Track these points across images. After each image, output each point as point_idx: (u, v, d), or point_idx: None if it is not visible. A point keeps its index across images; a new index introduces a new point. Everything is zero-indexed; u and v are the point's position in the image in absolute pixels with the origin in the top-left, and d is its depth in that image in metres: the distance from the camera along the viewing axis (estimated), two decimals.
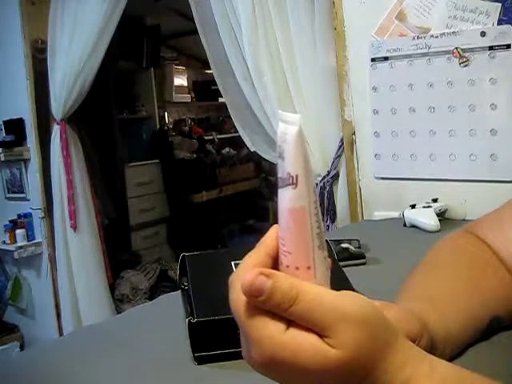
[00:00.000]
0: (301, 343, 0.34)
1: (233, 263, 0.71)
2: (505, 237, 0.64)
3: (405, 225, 1.35)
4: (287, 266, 0.36)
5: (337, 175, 1.75)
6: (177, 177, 3.82)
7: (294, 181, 0.35)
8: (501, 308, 0.58)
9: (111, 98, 3.52)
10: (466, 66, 1.38)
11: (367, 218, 1.63)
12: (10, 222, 2.79)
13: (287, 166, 0.35)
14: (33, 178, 2.73)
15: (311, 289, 0.35)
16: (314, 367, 0.34)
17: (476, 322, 0.56)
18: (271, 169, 4.29)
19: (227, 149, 4.41)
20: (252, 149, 2.09)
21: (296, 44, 1.75)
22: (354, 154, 1.65)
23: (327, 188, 1.76)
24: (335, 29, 1.63)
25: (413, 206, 1.36)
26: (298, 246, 0.36)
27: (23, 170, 2.77)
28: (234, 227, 4.07)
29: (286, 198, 0.35)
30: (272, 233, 0.38)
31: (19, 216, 2.77)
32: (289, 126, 0.35)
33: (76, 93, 2.51)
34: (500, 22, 1.33)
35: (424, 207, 1.34)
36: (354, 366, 0.35)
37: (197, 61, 4.55)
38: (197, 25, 2.04)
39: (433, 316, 0.51)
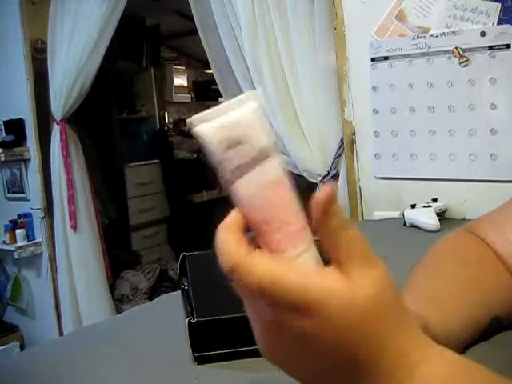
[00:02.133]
0: (308, 268, 0.34)
1: None
2: (505, 236, 0.64)
3: (405, 224, 1.35)
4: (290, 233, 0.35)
5: (337, 175, 1.75)
6: (177, 177, 3.82)
7: (270, 152, 0.34)
8: (501, 308, 0.58)
9: (111, 98, 3.53)
10: (465, 65, 1.38)
11: (367, 218, 1.63)
12: (10, 222, 2.79)
13: (257, 144, 0.34)
14: (33, 178, 2.73)
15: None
16: (321, 299, 0.32)
17: (476, 321, 0.56)
18: None
19: None
20: None
21: (296, 44, 1.75)
22: (354, 154, 1.65)
23: None
24: (335, 29, 1.63)
25: (413, 206, 1.36)
26: (292, 212, 0.35)
27: (23, 170, 2.77)
28: None
29: (266, 174, 0.34)
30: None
31: (19, 216, 2.77)
32: (241, 108, 0.34)
33: (76, 93, 2.51)
34: (500, 22, 1.32)
35: (424, 207, 1.34)
36: (373, 317, 0.33)
37: (197, 61, 4.55)
38: (196, 25, 2.04)
39: (433, 316, 0.51)
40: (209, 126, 0.34)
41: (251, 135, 0.34)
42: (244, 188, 0.35)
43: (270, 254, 0.35)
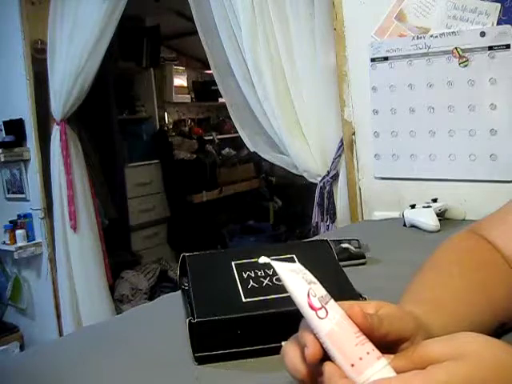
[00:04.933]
0: None
1: (233, 263, 0.71)
2: (508, 230, 0.64)
3: (405, 225, 1.35)
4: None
5: (337, 175, 1.75)
6: (177, 177, 3.82)
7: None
8: (507, 316, 0.58)
9: (111, 98, 3.53)
10: (465, 66, 1.38)
11: (367, 218, 1.63)
12: (10, 222, 2.78)
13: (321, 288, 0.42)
14: (33, 179, 2.73)
15: None
16: None
17: (484, 330, 0.55)
18: (271, 169, 4.29)
19: (227, 149, 4.41)
20: (252, 149, 2.09)
21: (296, 44, 1.75)
22: (354, 154, 1.65)
23: (327, 188, 1.76)
24: (335, 29, 1.63)
25: (413, 206, 1.36)
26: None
27: (23, 170, 2.77)
28: (234, 227, 4.07)
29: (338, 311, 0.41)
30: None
31: (19, 216, 2.77)
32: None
33: (76, 93, 2.51)
34: (499, 22, 1.33)
35: (424, 207, 1.34)
36: None
37: (196, 61, 4.56)
38: (196, 25, 2.04)
39: (438, 320, 0.50)
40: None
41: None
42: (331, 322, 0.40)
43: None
